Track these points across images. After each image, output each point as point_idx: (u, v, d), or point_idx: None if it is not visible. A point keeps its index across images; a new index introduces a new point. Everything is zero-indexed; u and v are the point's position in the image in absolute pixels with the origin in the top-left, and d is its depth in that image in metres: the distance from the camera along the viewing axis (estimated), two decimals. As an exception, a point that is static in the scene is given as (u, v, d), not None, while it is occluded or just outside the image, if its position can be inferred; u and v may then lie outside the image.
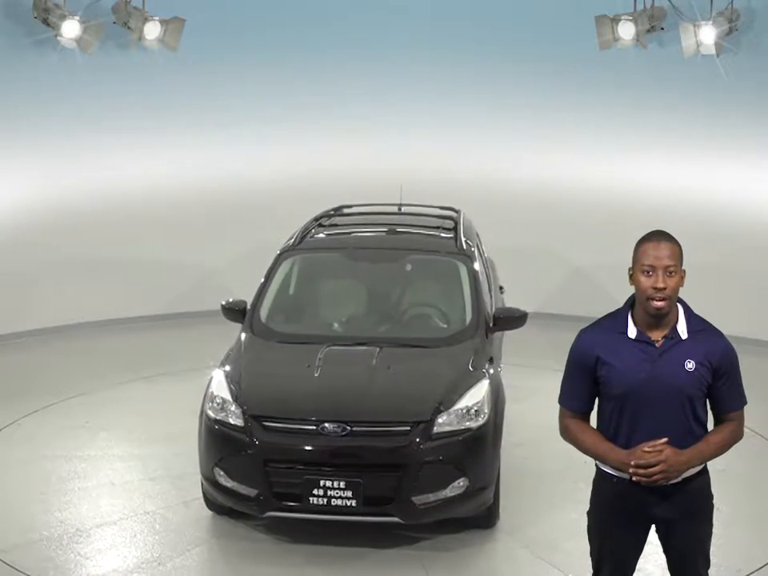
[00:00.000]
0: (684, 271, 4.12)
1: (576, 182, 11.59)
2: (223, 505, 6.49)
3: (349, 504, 5.99)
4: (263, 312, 7.33)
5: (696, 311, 4.25)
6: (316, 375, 6.46)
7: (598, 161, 11.54)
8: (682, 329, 4.14)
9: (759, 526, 6.82)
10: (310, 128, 11.71)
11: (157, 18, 10.41)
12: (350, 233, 8.30)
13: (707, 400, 4.20)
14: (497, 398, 6.58)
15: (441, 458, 6.11)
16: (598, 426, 4.27)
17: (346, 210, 8.72)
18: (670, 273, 4.04)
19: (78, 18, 10.06)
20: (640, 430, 4.10)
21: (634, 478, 4.05)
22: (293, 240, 7.88)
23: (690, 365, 4.09)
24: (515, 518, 6.75)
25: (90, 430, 8.33)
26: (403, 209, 8.73)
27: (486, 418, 6.29)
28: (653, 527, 4.28)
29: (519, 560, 6.35)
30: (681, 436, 4.07)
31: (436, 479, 6.10)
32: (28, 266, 10.82)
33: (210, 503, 6.62)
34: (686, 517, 4.18)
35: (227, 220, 11.69)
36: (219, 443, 6.30)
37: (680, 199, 11.05)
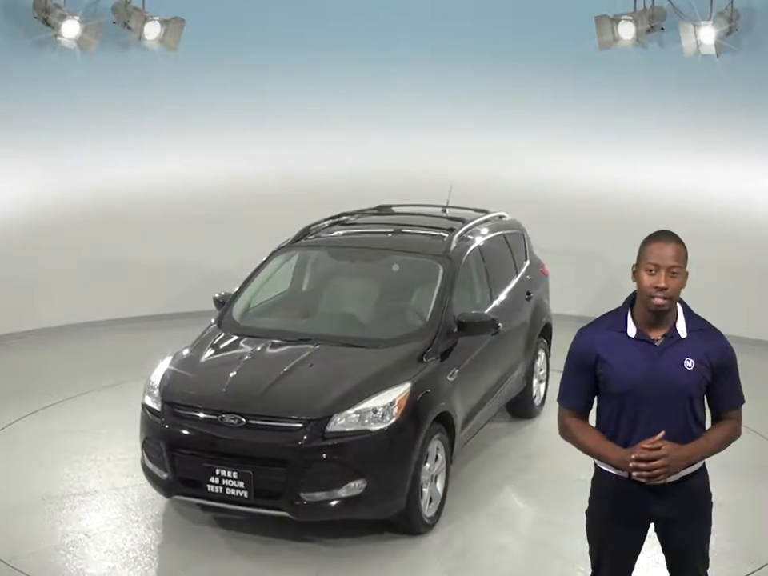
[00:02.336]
0: (687, 273, 4.12)
1: (575, 182, 11.59)
2: None
3: (241, 495, 6.12)
4: (237, 305, 7.53)
5: (696, 311, 4.26)
6: (237, 368, 6.63)
7: (597, 160, 11.54)
8: (682, 328, 4.15)
9: (758, 526, 6.83)
10: (310, 128, 11.71)
11: (157, 18, 10.41)
12: (353, 232, 8.29)
13: (706, 399, 4.21)
14: (421, 402, 6.44)
15: (334, 457, 6.11)
16: (597, 425, 4.27)
17: (378, 210, 8.81)
18: (674, 273, 4.04)
19: (78, 18, 10.07)
20: (639, 428, 4.10)
21: (634, 474, 4.05)
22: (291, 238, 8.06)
23: (689, 363, 4.09)
24: (454, 528, 6.65)
25: (94, 421, 8.47)
26: (427, 210, 8.79)
27: (391, 422, 6.21)
28: (652, 526, 4.29)
29: (419, 569, 6.24)
30: (679, 435, 4.07)
31: (328, 478, 6.11)
32: (28, 265, 10.83)
33: None
34: (684, 515, 4.19)
35: (227, 220, 11.70)
36: (144, 426, 6.60)
37: (679, 199, 11.04)
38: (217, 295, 7.67)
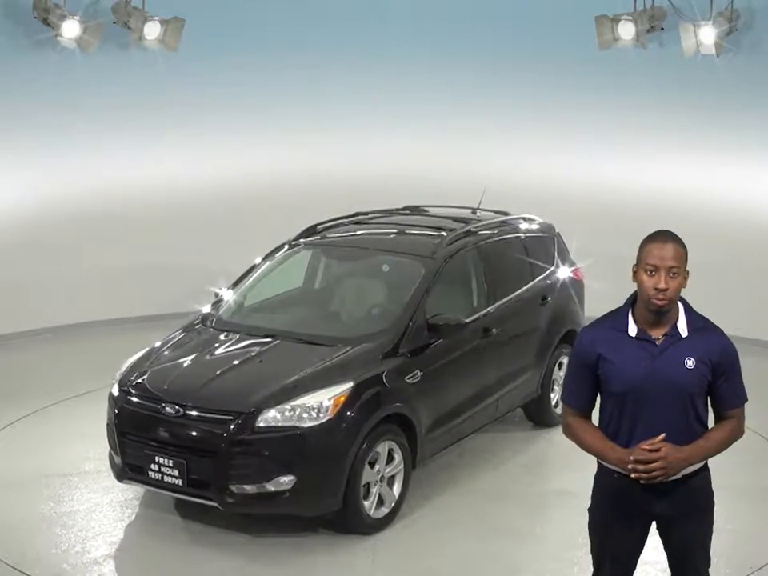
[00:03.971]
0: (687, 272, 4.13)
1: (574, 182, 11.59)
2: None
3: (176, 483, 6.33)
4: (225, 301, 7.69)
5: (696, 310, 4.26)
6: (191, 360, 6.86)
7: (597, 161, 11.54)
8: (683, 327, 4.15)
9: (759, 526, 6.83)
10: (310, 128, 11.70)
11: (157, 18, 10.41)
12: (353, 232, 8.28)
13: (708, 398, 4.21)
14: (365, 402, 6.42)
15: (262, 451, 6.22)
16: (599, 424, 4.28)
17: (402, 210, 8.84)
18: (673, 274, 4.05)
19: (78, 18, 10.06)
20: (640, 427, 4.11)
21: (633, 476, 4.06)
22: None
23: (690, 362, 4.10)
24: (405, 532, 6.59)
25: (98, 415, 8.44)
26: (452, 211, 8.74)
27: (324, 420, 6.23)
28: (654, 524, 4.30)
29: (346, 568, 6.23)
30: (681, 434, 4.08)
31: (257, 471, 6.21)
32: (28, 265, 10.83)
33: None
34: (686, 514, 4.20)
35: (228, 220, 11.69)
36: (108, 412, 6.85)
37: (679, 199, 11.04)
38: (218, 290, 7.88)
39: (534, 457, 8.02)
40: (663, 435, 4.03)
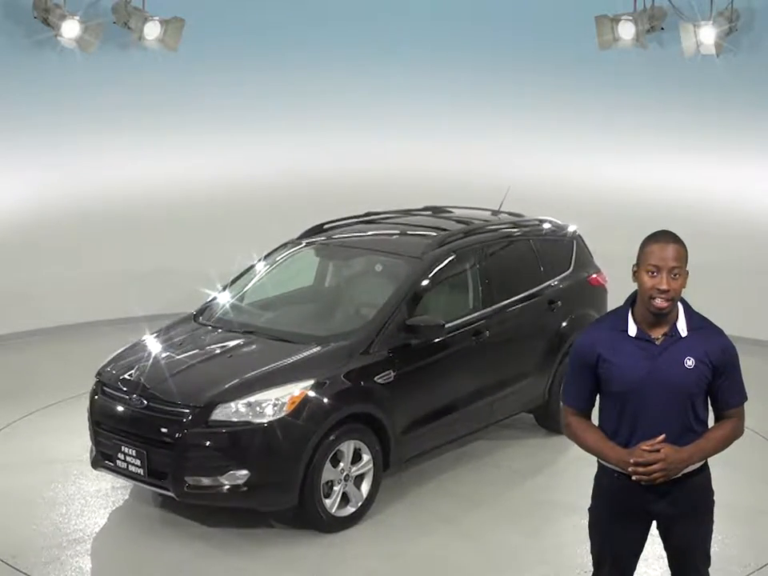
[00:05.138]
0: (687, 272, 4.13)
1: (574, 182, 11.59)
2: None
3: (138, 472, 6.48)
4: (219, 298, 7.79)
5: (696, 310, 4.26)
6: (166, 354, 6.98)
7: (598, 161, 11.54)
8: (682, 327, 4.15)
9: (759, 526, 6.82)
10: (310, 129, 11.71)
11: (157, 18, 10.42)
12: (354, 232, 8.25)
13: (707, 397, 4.21)
14: (324, 400, 6.41)
15: (215, 445, 6.30)
16: (599, 424, 4.28)
17: (419, 210, 8.81)
18: (675, 275, 4.05)
19: (78, 18, 10.07)
20: (640, 427, 4.11)
21: (634, 478, 4.07)
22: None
23: (689, 362, 4.10)
24: (367, 532, 6.56)
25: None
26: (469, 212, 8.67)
27: (279, 416, 6.26)
28: (654, 524, 4.30)
29: (288, 562, 6.25)
30: (681, 434, 4.09)
31: (211, 465, 6.31)
32: (28, 265, 10.83)
33: None
34: (686, 513, 4.20)
35: (227, 220, 11.70)
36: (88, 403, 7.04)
37: (679, 199, 11.04)
38: (210, 290, 7.97)
39: (534, 464, 7.82)
40: (663, 436, 4.04)
